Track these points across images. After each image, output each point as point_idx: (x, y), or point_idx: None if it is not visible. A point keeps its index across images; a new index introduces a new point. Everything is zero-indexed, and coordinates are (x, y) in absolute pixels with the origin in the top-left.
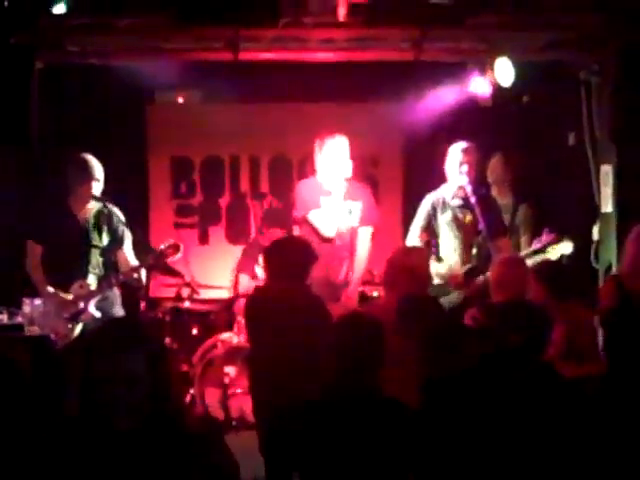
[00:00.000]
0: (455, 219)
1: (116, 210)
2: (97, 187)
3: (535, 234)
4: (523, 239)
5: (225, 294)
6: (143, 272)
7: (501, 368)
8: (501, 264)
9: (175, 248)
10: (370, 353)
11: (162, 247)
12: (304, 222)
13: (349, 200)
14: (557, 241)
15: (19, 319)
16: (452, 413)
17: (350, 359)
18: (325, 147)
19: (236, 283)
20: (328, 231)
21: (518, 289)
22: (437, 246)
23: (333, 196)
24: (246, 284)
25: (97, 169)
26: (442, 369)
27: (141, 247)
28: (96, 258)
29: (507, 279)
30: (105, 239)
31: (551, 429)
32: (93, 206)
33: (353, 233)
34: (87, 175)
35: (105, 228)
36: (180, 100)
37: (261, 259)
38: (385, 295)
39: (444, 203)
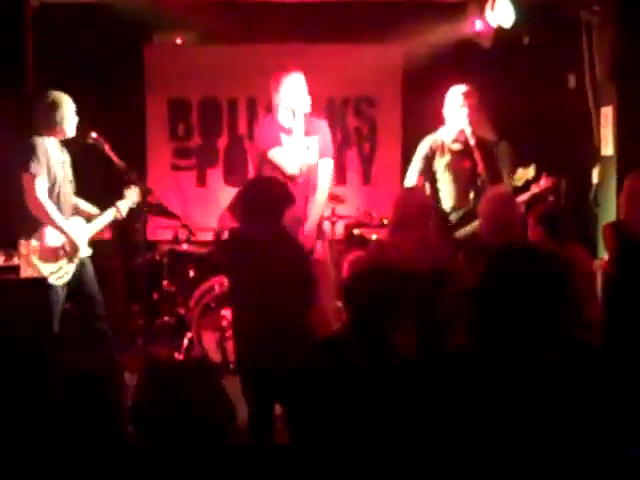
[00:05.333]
0: (453, 163)
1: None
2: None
3: (513, 171)
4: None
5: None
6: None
7: None
8: (493, 200)
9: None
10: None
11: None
12: (265, 160)
13: (306, 136)
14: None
15: (15, 261)
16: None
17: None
18: (283, 84)
19: (220, 218)
20: (292, 168)
21: (510, 228)
22: (435, 190)
23: (294, 133)
24: (227, 222)
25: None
26: None
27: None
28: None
29: (499, 218)
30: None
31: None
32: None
33: (313, 169)
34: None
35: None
36: (178, 41)
37: None
38: (399, 237)
39: (443, 147)
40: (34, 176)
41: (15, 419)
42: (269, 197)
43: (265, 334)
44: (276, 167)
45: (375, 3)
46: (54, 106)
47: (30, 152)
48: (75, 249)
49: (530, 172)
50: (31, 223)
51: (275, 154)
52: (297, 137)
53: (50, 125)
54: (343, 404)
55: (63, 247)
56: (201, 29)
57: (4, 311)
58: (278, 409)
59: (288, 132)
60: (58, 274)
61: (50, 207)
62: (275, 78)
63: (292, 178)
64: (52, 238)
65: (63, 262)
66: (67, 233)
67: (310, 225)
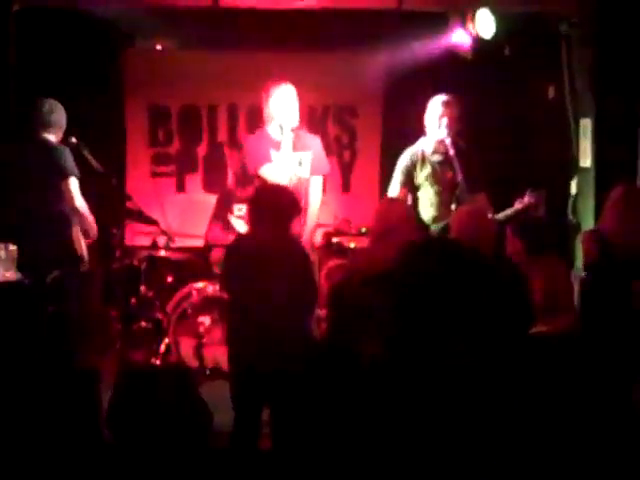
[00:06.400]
0: (435, 174)
1: None
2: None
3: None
4: None
5: (201, 243)
6: None
7: None
8: (464, 215)
9: None
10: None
11: None
12: (257, 177)
13: (299, 151)
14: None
15: None
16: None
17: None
18: (272, 97)
19: (207, 232)
20: (281, 183)
21: (482, 243)
22: (416, 201)
23: (283, 148)
24: (218, 234)
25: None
26: None
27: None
28: None
29: (470, 233)
30: None
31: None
32: None
33: (305, 183)
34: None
35: None
36: (159, 47)
37: (236, 209)
38: (376, 246)
39: (424, 158)
40: (77, 179)
41: None
42: (279, 205)
43: (266, 339)
44: (264, 183)
45: (357, 12)
46: (62, 110)
47: (68, 156)
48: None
49: None
50: (67, 235)
51: (265, 171)
52: (286, 151)
53: (60, 128)
54: (331, 409)
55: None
56: (182, 36)
57: None
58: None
59: (277, 147)
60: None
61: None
62: (264, 90)
63: None
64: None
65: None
66: (94, 227)
67: (306, 237)
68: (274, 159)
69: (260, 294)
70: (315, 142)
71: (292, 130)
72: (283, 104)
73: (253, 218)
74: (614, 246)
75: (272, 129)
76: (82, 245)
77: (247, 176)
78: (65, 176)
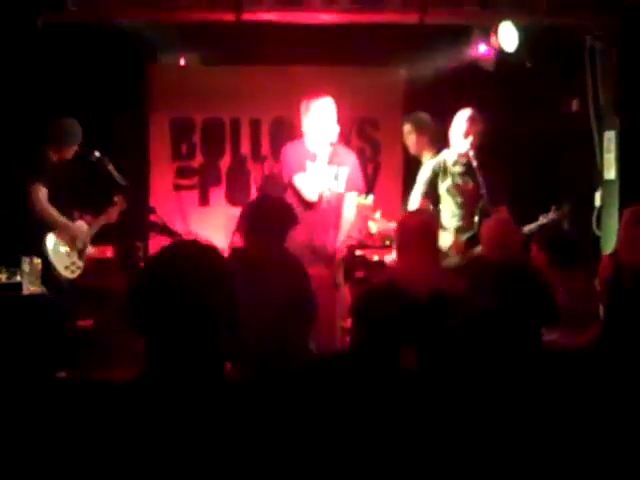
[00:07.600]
0: (456, 186)
1: None
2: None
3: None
4: None
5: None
6: None
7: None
8: (493, 224)
9: None
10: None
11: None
12: (289, 186)
13: (335, 165)
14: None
15: (18, 278)
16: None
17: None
18: (311, 109)
19: (231, 244)
20: (311, 196)
21: (511, 250)
22: (438, 212)
23: (318, 160)
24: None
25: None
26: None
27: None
28: None
29: (499, 240)
30: None
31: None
32: None
33: (339, 198)
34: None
35: None
36: (182, 62)
37: None
38: (402, 259)
39: (445, 169)
40: (40, 185)
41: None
42: (273, 216)
43: (264, 354)
44: (297, 193)
45: (380, 26)
46: (72, 131)
47: (38, 163)
48: (84, 245)
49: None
50: (33, 239)
51: (298, 180)
52: (321, 164)
53: (63, 147)
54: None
55: (73, 244)
56: (205, 50)
57: (7, 327)
58: None
59: (313, 158)
60: (71, 268)
61: (54, 211)
62: (305, 102)
63: (311, 205)
64: (58, 241)
65: (74, 257)
66: (74, 231)
67: (336, 251)
68: (308, 170)
69: (255, 307)
70: (352, 158)
71: (330, 144)
72: (322, 117)
73: (247, 229)
74: (625, 266)
75: (309, 140)
76: (58, 255)
77: (276, 185)
78: (27, 181)
